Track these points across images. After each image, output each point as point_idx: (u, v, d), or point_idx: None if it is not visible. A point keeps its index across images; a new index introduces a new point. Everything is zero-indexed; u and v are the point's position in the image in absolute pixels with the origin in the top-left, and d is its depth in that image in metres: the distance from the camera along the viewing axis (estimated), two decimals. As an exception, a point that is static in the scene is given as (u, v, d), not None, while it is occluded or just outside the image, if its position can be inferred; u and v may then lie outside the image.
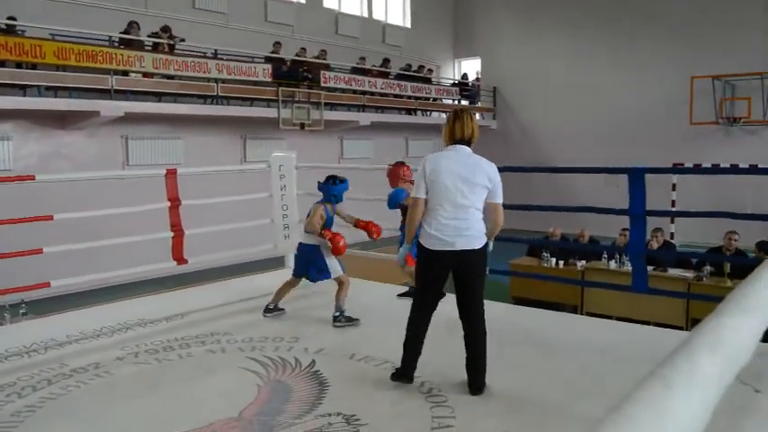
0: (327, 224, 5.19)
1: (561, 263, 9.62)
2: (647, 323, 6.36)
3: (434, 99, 19.31)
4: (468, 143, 3.71)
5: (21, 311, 6.45)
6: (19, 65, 10.47)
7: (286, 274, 5.81)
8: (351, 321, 5.05)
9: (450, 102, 20.01)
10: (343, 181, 5.29)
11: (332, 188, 5.23)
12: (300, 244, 5.30)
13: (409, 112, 18.45)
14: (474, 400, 3.63)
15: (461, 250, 3.58)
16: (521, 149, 19.71)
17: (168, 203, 5.73)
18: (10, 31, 10.59)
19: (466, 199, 3.57)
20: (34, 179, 5.56)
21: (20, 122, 11.35)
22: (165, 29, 12.81)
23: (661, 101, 17.65)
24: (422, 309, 3.83)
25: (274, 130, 14.40)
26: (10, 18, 10.69)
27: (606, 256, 9.45)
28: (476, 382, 3.68)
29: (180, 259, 5.78)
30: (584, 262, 9.57)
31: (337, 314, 5.05)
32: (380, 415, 3.47)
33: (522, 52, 20.48)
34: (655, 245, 8.86)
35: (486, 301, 5.85)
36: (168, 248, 5.77)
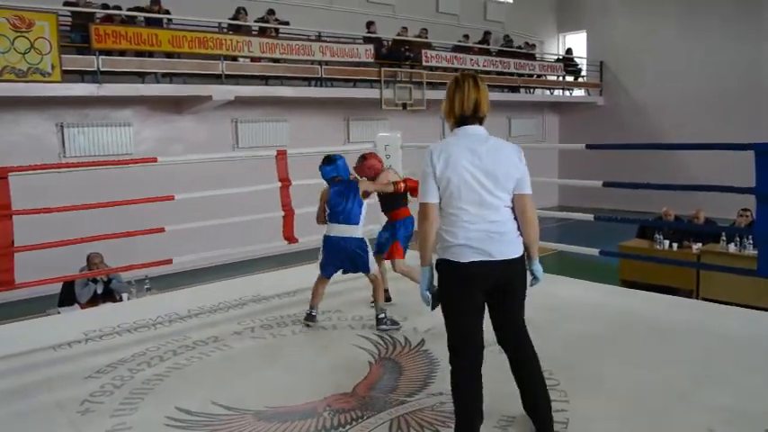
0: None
1: (675, 245, 9.15)
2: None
3: (538, 76, 18.78)
4: (479, 120, 2.92)
5: (145, 287, 6.88)
6: (137, 53, 11.07)
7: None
8: (395, 324, 4.63)
9: (554, 78, 19.41)
10: (339, 158, 4.90)
11: (328, 169, 4.83)
12: (349, 240, 4.70)
13: (512, 89, 18.05)
14: (588, 384, 3.54)
15: (502, 261, 2.82)
16: (630, 126, 18.79)
17: (279, 183, 5.92)
18: (129, 21, 11.20)
19: (493, 196, 2.82)
20: (156, 161, 5.87)
21: (139, 109, 12.04)
22: (272, 12, 13.14)
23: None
24: (466, 365, 2.92)
25: (377, 111, 14.51)
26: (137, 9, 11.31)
27: (725, 238, 8.91)
28: (546, 428, 2.97)
29: (290, 238, 5.96)
30: (700, 244, 9.07)
31: (382, 316, 4.64)
32: (491, 396, 3.43)
33: (631, 23, 19.47)
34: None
35: (595, 284, 5.75)
36: (279, 227, 5.96)
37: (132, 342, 4.50)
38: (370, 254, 4.71)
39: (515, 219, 2.92)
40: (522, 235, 2.93)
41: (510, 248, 2.86)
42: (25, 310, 6.95)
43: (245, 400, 3.48)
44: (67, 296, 6.84)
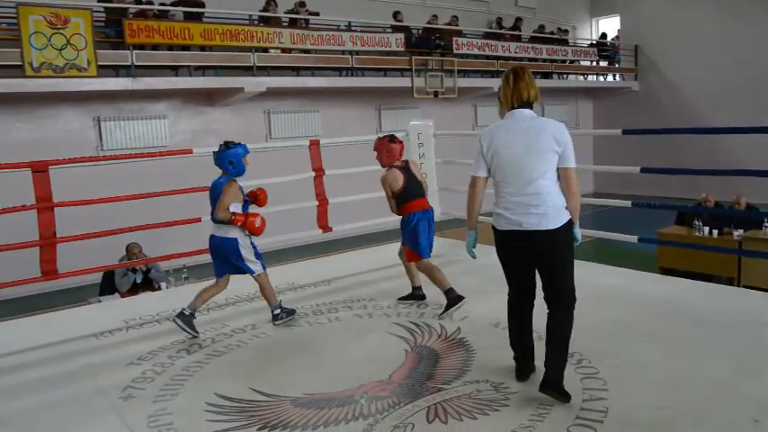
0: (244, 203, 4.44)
1: (715, 232, 8.96)
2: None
3: (571, 61, 18.50)
4: (529, 106, 3.23)
5: (183, 276, 6.97)
6: (170, 47, 11.19)
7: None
8: (290, 315, 4.59)
9: (587, 63, 19.11)
10: (237, 144, 4.43)
11: (223, 154, 4.38)
12: (212, 237, 4.45)
13: (545, 75, 17.81)
14: (627, 373, 3.49)
15: (532, 231, 3.10)
16: (667, 110, 18.41)
17: (313, 173, 5.94)
18: (162, 16, 11.32)
19: (532, 170, 3.10)
20: (192, 153, 5.94)
21: (173, 102, 12.19)
22: (302, 3, 13.15)
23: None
24: (513, 302, 3.40)
25: (408, 100, 14.46)
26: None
27: (767, 224, 8.68)
28: (549, 378, 3.14)
29: (325, 227, 5.99)
30: (741, 231, 8.85)
31: (277, 311, 4.56)
32: (529, 384, 3.41)
33: (666, 6, 18.99)
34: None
35: (633, 272, 5.65)
36: (313, 217, 6.00)
37: (171, 330, 4.55)
38: (247, 254, 4.41)
39: (560, 191, 3.18)
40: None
41: (545, 220, 3.10)
42: (67, 298, 7.12)
43: (282, 386, 3.51)
44: (108, 285, 6.98)
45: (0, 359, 4.21)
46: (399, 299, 4.92)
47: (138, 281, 6.99)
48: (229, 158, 4.36)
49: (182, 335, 4.42)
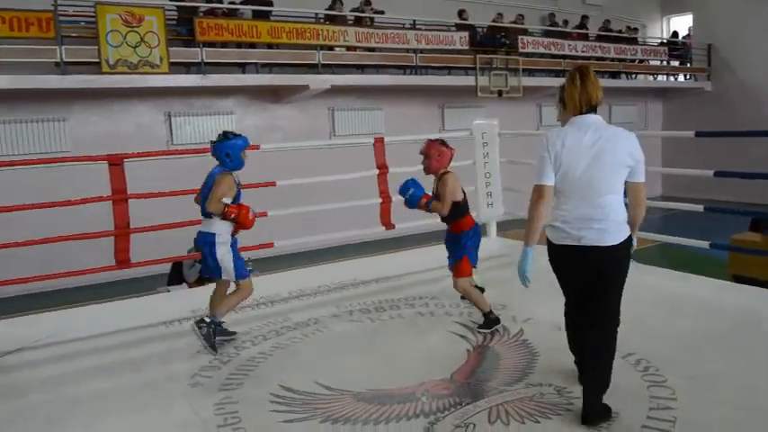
0: (236, 198, 4.07)
1: (793, 239, 8.56)
2: None
3: (640, 61, 17.98)
4: (595, 110, 3.00)
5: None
6: (238, 45, 11.45)
7: (485, 241, 5.61)
8: (228, 335, 4.24)
9: (657, 63, 18.53)
10: (237, 135, 4.07)
11: (220, 145, 4.01)
12: (198, 233, 4.13)
13: (613, 75, 17.37)
14: (696, 382, 3.38)
15: (590, 246, 2.90)
16: (741, 112, 17.63)
17: (377, 171, 5.97)
18: (231, 14, 11.58)
19: (601, 184, 2.88)
20: (259, 148, 6.05)
21: (240, 98, 12.45)
22: (368, 2, 13.22)
23: None
24: (570, 313, 3.26)
25: (472, 99, 14.34)
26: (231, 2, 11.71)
27: None
28: (587, 408, 2.99)
29: (388, 224, 6.02)
30: (821, 239, 8.43)
31: (208, 320, 4.09)
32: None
33: (742, 3, 18.23)
34: None
35: (705, 278, 5.44)
36: (376, 214, 6.03)
37: (236, 321, 4.67)
38: (221, 254, 4.05)
39: (624, 204, 2.99)
40: (628, 215, 3.01)
41: (606, 236, 2.91)
42: (137, 287, 7.36)
43: (345, 381, 3.55)
44: (176, 276, 7.19)
45: (74, 343, 4.42)
46: (462, 298, 4.89)
47: (205, 272, 7.17)
48: (226, 150, 3.99)
49: (247, 325, 4.54)
